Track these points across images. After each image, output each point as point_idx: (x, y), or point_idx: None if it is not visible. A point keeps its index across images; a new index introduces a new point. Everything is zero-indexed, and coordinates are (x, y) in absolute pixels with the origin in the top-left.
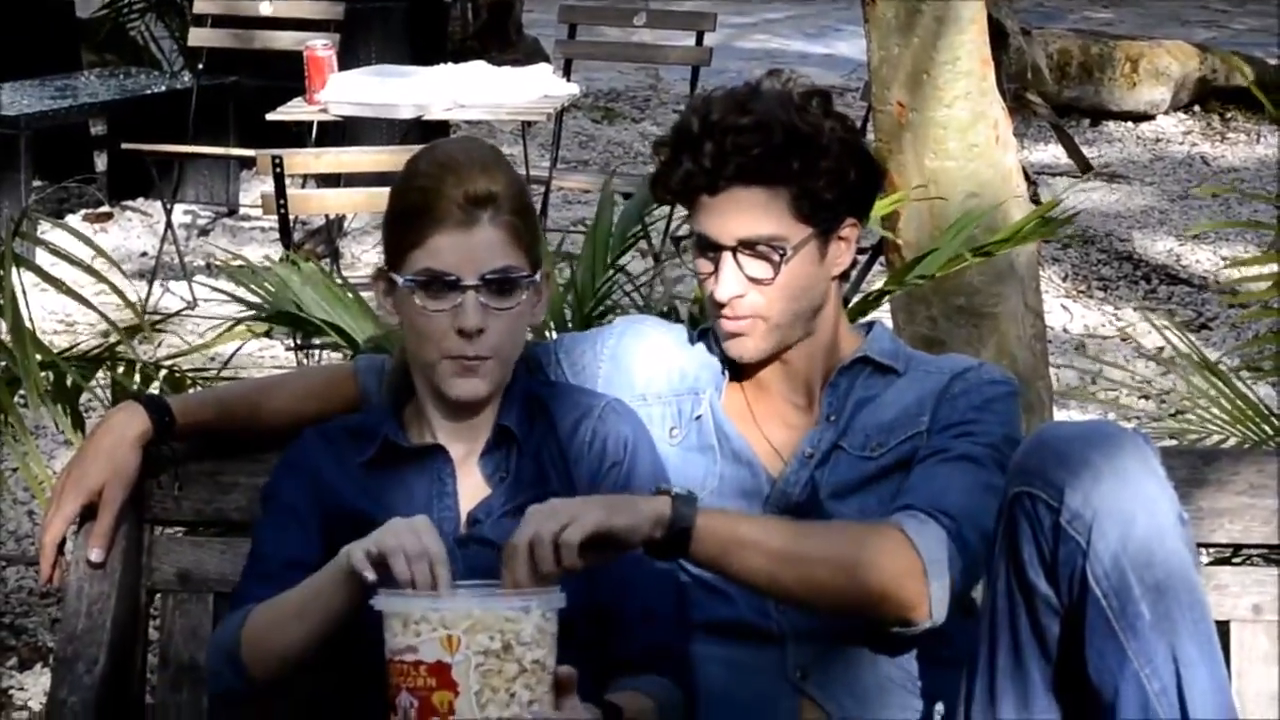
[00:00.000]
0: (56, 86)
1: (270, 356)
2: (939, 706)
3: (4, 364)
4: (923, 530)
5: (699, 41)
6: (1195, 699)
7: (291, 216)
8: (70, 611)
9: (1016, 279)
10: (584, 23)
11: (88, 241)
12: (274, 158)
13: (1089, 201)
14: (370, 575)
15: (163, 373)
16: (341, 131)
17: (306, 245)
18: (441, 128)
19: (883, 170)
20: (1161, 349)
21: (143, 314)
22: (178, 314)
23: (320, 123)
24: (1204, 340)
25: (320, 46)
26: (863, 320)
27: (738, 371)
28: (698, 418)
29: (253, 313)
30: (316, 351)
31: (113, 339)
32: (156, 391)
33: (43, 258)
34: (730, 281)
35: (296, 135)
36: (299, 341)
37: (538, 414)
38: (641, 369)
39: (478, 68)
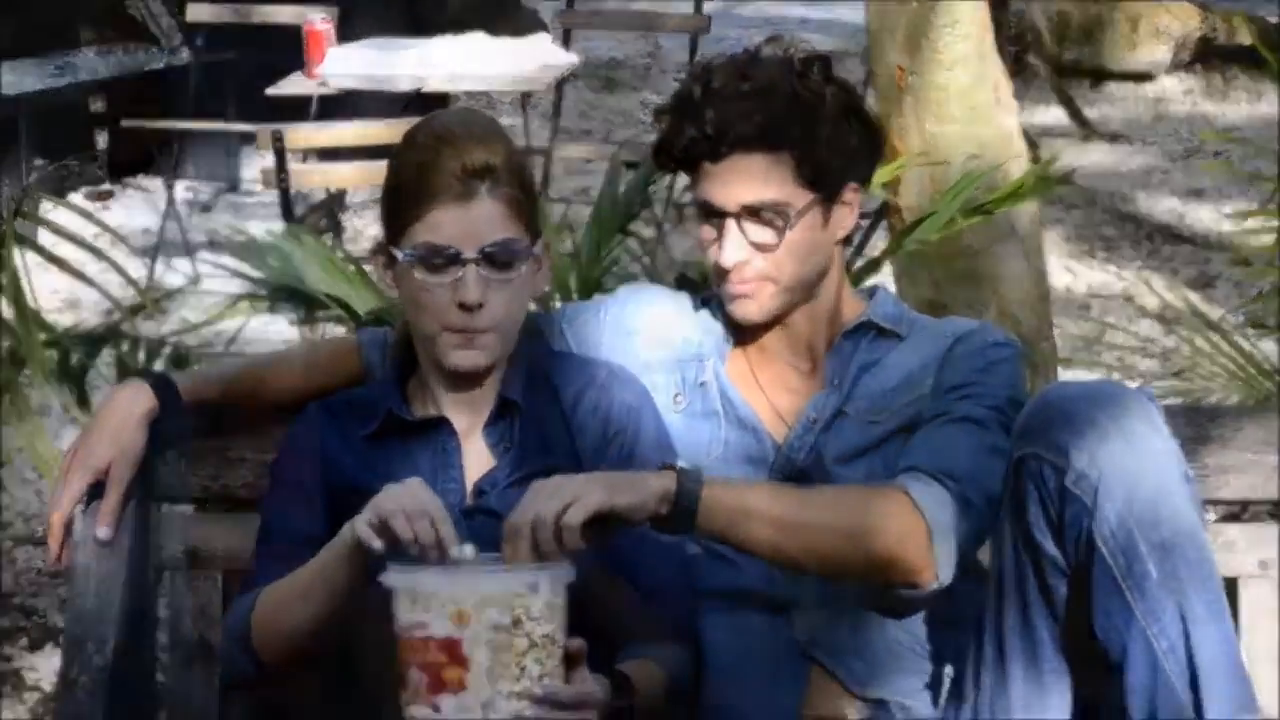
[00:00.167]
0: (55, 64)
1: (274, 331)
2: (948, 669)
3: (8, 343)
4: (927, 493)
5: (698, 9)
6: (1203, 656)
7: (293, 191)
8: (79, 591)
9: (1018, 240)
10: None
11: (90, 219)
12: (274, 132)
13: (1091, 162)
14: (378, 544)
15: (167, 349)
16: (341, 105)
17: (308, 219)
18: (441, 99)
19: (884, 134)
20: (1165, 308)
21: (146, 291)
22: (181, 291)
23: (320, 96)
24: (1207, 299)
25: (319, 20)
26: (866, 284)
27: (741, 337)
28: (702, 384)
29: (256, 288)
30: (320, 325)
31: (117, 317)
32: (161, 368)
33: (45, 237)
34: (734, 248)
35: (296, 109)
36: (302, 316)
37: (541, 384)
38: (645, 337)
39: (476, 39)
